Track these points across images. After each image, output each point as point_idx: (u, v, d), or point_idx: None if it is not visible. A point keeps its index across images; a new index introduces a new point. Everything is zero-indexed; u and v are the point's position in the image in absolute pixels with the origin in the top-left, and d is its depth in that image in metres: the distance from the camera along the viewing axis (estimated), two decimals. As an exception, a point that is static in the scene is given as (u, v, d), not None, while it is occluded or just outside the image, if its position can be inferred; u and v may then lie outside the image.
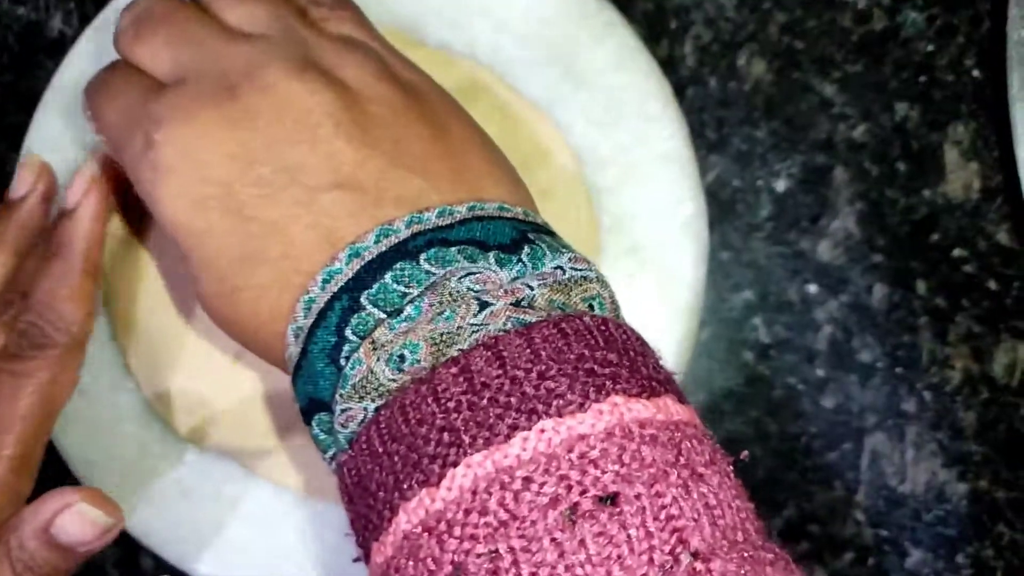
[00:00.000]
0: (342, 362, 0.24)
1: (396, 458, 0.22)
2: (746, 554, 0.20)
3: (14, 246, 0.31)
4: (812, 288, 0.36)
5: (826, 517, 0.35)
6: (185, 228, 0.26)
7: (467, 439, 0.21)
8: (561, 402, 0.21)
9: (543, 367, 0.21)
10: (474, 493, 0.20)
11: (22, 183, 0.32)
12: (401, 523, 0.21)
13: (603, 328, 0.23)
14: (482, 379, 0.21)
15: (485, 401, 0.21)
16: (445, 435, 0.21)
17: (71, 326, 0.30)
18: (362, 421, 0.23)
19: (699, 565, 0.20)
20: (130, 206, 0.33)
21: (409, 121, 0.26)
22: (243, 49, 0.26)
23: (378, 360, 0.23)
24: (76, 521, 0.27)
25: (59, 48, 0.37)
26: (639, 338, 0.24)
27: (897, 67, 0.36)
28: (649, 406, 0.21)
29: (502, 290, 0.24)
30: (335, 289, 0.24)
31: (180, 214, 0.25)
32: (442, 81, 0.33)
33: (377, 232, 0.24)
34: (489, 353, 0.22)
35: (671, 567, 0.19)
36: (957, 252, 0.36)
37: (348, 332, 0.24)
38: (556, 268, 0.25)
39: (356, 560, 0.23)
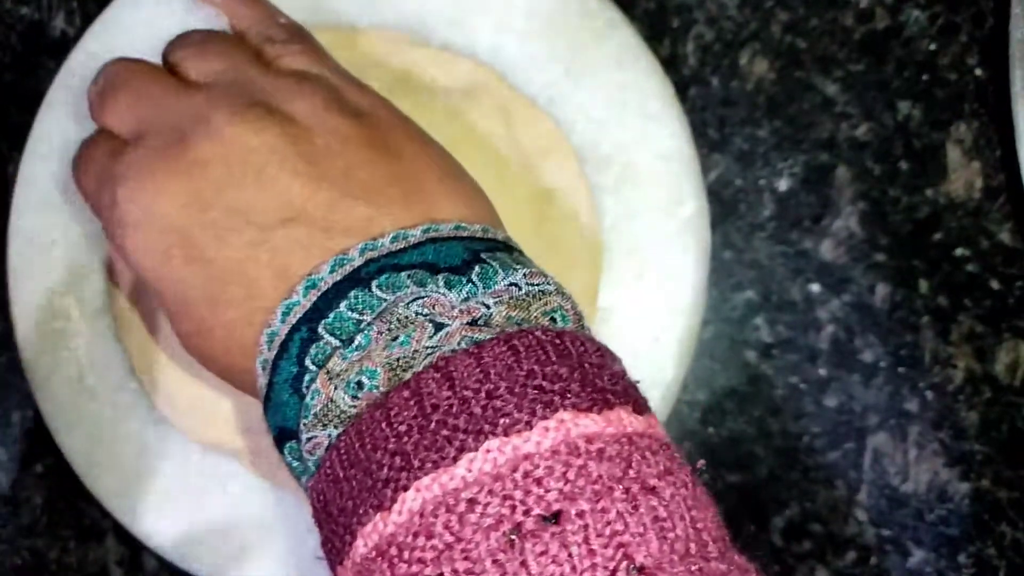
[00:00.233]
0: (304, 391, 0.24)
1: (354, 483, 0.22)
2: (695, 567, 0.20)
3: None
4: (814, 287, 0.36)
5: (828, 516, 0.35)
6: (154, 276, 0.27)
7: (417, 462, 0.21)
8: (508, 421, 0.21)
9: (491, 386, 0.22)
10: (422, 516, 0.21)
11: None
12: (359, 548, 0.22)
13: (557, 342, 0.23)
14: (432, 401, 0.22)
15: (434, 424, 0.21)
16: (397, 459, 0.21)
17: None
18: (328, 447, 0.23)
19: None
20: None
21: (359, 148, 0.27)
22: (194, 100, 0.28)
23: (336, 388, 0.23)
24: None
25: (61, 48, 0.37)
26: (598, 348, 0.24)
27: (899, 66, 0.36)
28: (599, 420, 0.21)
29: (456, 310, 0.24)
30: (294, 321, 0.25)
31: (148, 265, 0.27)
32: (444, 80, 0.33)
33: (332, 262, 0.25)
34: (439, 375, 0.22)
35: None
36: (959, 251, 0.36)
37: (308, 362, 0.24)
38: (510, 285, 0.25)
39: None
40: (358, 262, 0.25)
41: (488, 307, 0.24)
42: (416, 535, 0.20)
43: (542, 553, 0.20)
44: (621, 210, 0.33)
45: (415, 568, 0.20)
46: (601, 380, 0.22)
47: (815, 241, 0.36)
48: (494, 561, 0.20)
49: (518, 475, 0.20)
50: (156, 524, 0.33)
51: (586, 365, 0.23)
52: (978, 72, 0.36)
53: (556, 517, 0.20)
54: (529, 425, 0.21)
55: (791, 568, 0.36)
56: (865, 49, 0.36)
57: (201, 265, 0.26)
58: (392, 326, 0.24)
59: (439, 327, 0.23)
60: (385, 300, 0.24)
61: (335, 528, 0.23)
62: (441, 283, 0.24)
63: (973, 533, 0.35)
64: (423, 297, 0.24)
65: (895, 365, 0.36)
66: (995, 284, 0.36)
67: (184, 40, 0.30)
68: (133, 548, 0.36)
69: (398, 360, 0.23)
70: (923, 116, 0.36)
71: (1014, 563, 0.35)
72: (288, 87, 0.28)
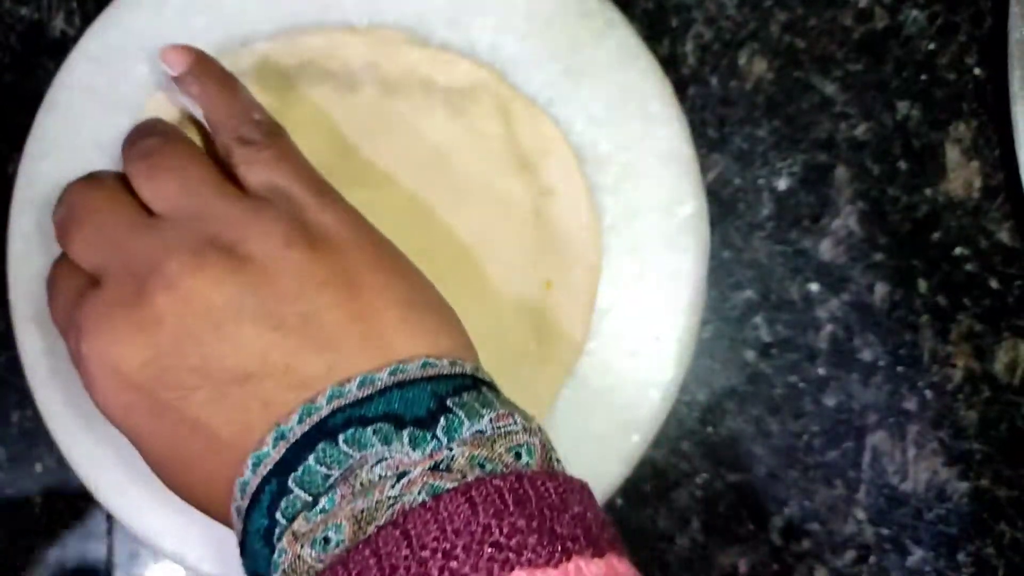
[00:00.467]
0: (275, 544, 0.24)
1: None
2: None
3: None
4: (813, 287, 0.36)
5: (827, 515, 0.35)
6: (122, 427, 0.27)
7: None
8: None
9: (448, 545, 0.22)
10: None
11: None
12: None
13: (516, 487, 0.23)
14: (391, 561, 0.22)
15: None
16: None
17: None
18: None
19: None
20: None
21: (319, 288, 0.26)
22: (148, 241, 0.27)
23: (303, 546, 0.24)
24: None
25: (61, 48, 0.37)
26: (560, 486, 0.24)
27: (898, 66, 0.36)
28: (555, 575, 0.22)
29: (419, 459, 0.24)
30: (265, 472, 0.25)
31: (114, 416, 0.27)
32: (443, 80, 0.33)
33: (300, 411, 0.25)
34: (398, 532, 0.22)
35: None
36: (958, 251, 0.36)
37: (279, 515, 0.24)
38: (476, 432, 0.25)
39: None
40: (325, 411, 0.25)
41: (451, 449, 0.24)
42: None
43: None
44: (620, 210, 0.33)
45: None
46: (561, 525, 0.22)
47: (814, 240, 0.36)
48: None
49: None
50: (156, 524, 0.33)
51: (545, 511, 0.23)
52: (977, 72, 0.36)
53: None
54: None
55: (790, 567, 0.36)
56: (864, 49, 0.36)
57: (165, 422, 0.26)
58: (356, 490, 0.24)
59: (401, 475, 0.24)
60: (351, 457, 0.24)
61: None
62: (406, 440, 0.24)
63: (972, 532, 0.35)
64: (387, 459, 0.24)
65: (894, 364, 0.36)
66: (994, 283, 0.36)
67: (136, 149, 0.30)
68: (134, 546, 0.36)
69: (362, 512, 0.23)
70: (922, 116, 0.36)
71: (1013, 562, 0.35)
72: (247, 221, 0.27)
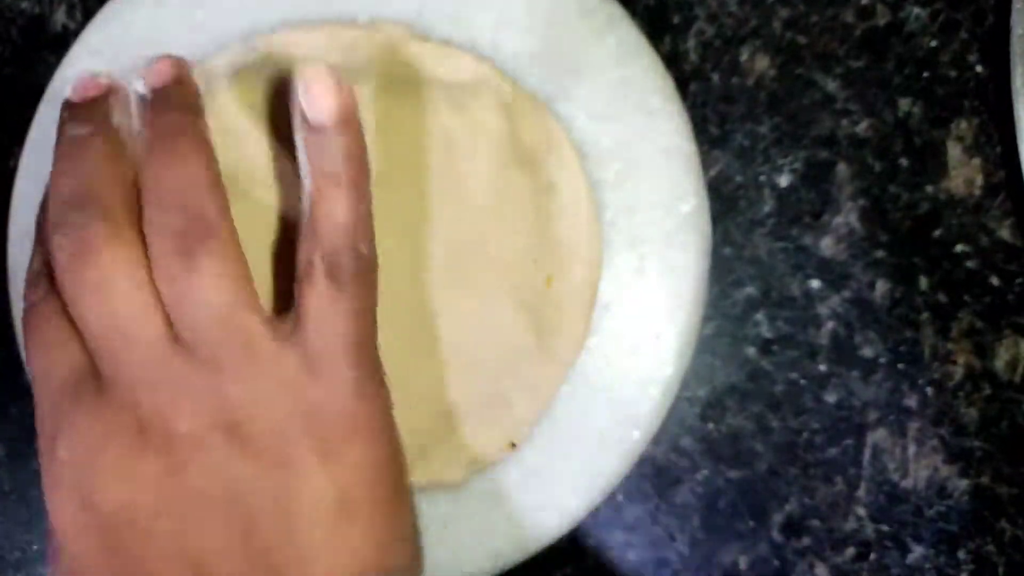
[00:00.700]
0: None
1: None
2: None
3: None
4: (814, 284, 0.36)
5: (827, 512, 0.36)
6: (61, 534, 0.25)
7: None
8: None
9: None
10: None
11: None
12: None
13: None
14: None
15: None
16: None
17: None
18: None
19: None
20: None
21: (214, 532, 0.24)
22: (167, 377, 0.24)
23: None
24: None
25: (62, 42, 0.37)
26: None
27: (900, 63, 0.36)
28: None
29: None
30: None
31: (59, 522, 0.25)
32: (444, 76, 0.33)
33: None
34: None
35: None
36: (959, 248, 0.36)
37: None
38: None
39: None
40: None
41: None
42: None
43: None
44: (621, 206, 0.33)
45: None
46: None
47: (815, 237, 0.36)
48: None
49: None
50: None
51: None
52: (979, 69, 0.36)
53: None
54: None
55: (790, 564, 0.36)
56: (866, 46, 0.36)
57: (114, 560, 0.24)
58: None
59: None
60: None
61: None
62: None
63: (973, 529, 0.35)
64: None
65: (895, 361, 0.36)
66: (995, 281, 0.36)
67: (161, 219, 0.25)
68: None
69: None
70: (923, 113, 0.36)
71: (1013, 560, 0.35)
72: (273, 400, 0.24)
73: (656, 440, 0.35)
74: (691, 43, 0.37)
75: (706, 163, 0.35)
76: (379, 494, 0.25)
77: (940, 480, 0.35)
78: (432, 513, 0.33)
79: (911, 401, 0.36)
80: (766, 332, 0.36)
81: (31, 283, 0.27)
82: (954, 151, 0.36)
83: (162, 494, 0.24)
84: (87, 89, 0.27)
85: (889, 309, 0.36)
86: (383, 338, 0.32)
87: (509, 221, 0.33)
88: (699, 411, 0.36)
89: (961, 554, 0.35)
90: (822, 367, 0.36)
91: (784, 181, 0.36)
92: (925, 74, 0.36)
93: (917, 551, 0.35)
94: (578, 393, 0.33)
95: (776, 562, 0.36)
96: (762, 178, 0.36)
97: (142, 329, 0.24)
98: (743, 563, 0.36)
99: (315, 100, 0.26)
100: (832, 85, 0.36)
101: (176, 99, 0.27)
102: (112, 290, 0.24)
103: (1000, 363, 0.36)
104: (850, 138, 0.36)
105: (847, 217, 0.36)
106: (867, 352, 0.36)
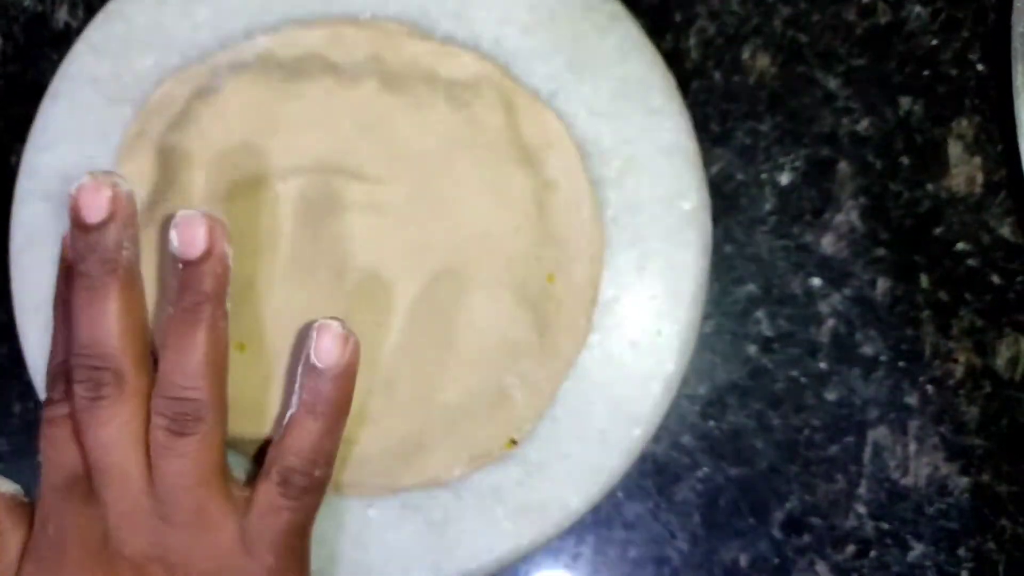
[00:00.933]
0: None
1: None
2: None
3: None
4: (815, 281, 0.36)
5: (828, 510, 0.36)
6: None
7: None
8: None
9: None
10: None
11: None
12: None
13: None
14: None
15: None
16: None
17: None
18: None
19: None
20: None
21: None
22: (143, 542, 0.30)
23: None
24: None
25: (64, 39, 0.38)
26: None
27: (901, 61, 0.36)
28: None
29: None
30: None
31: None
32: (447, 73, 0.33)
33: None
34: None
35: None
36: (960, 246, 0.36)
37: None
38: None
39: None
40: None
41: None
42: None
43: None
44: (623, 203, 0.33)
45: None
46: None
47: (816, 235, 0.36)
48: None
49: None
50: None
51: None
52: (980, 67, 0.36)
53: None
54: None
55: (791, 561, 0.36)
56: (867, 44, 0.36)
57: None
58: None
59: None
60: None
61: None
62: None
63: (973, 527, 0.35)
64: None
65: (896, 359, 0.36)
66: (996, 279, 0.36)
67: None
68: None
69: None
70: (924, 111, 0.36)
71: (1014, 557, 0.35)
72: None
73: (657, 438, 0.35)
74: (693, 41, 0.37)
75: (707, 161, 0.35)
76: None
77: (941, 478, 0.35)
78: (431, 510, 0.33)
79: (912, 399, 0.36)
80: (767, 330, 0.36)
81: (53, 384, 0.31)
82: (955, 149, 0.36)
83: None
84: (97, 210, 0.29)
85: (890, 307, 0.36)
86: (384, 335, 0.33)
87: (511, 218, 0.33)
88: (700, 409, 0.36)
89: (961, 552, 0.35)
90: (823, 365, 0.36)
91: (785, 179, 0.36)
92: (926, 72, 0.36)
93: (918, 549, 0.35)
94: (579, 389, 0.33)
95: (776, 560, 0.36)
96: (763, 176, 0.36)
97: (127, 478, 0.29)
98: (743, 560, 0.36)
99: (323, 350, 0.30)
100: (833, 83, 0.36)
101: (207, 281, 0.30)
102: (112, 442, 0.29)
103: (1001, 361, 0.36)
104: (851, 136, 0.36)
105: (848, 215, 0.36)
106: (868, 350, 0.36)
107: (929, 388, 0.36)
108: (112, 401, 0.29)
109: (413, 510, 0.33)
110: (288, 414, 0.31)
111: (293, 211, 0.33)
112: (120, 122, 0.34)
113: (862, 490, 0.35)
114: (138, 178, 0.33)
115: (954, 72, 0.36)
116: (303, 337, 0.32)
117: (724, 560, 0.36)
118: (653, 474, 0.36)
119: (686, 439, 0.36)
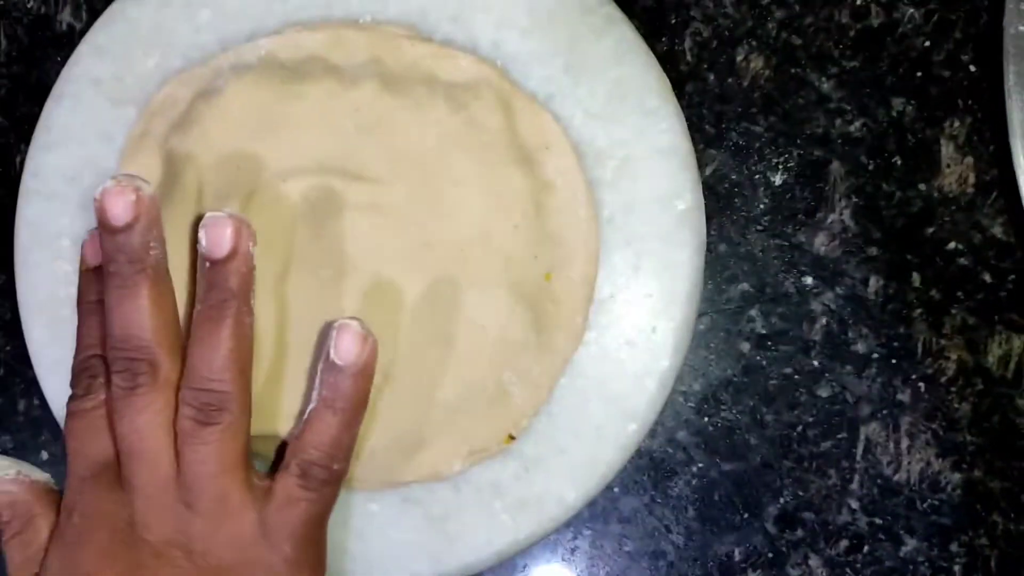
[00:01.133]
0: None
1: None
2: None
3: None
4: (808, 280, 0.36)
5: (821, 505, 0.36)
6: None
7: None
8: None
9: None
10: None
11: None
12: None
13: None
14: None
15: None
16: None
17: None
18: None
19: None
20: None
21: None
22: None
23: None
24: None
25: (68, 41, 0.38)
26: None
27: (894, 62, 0.36)
28: None
29: None
30: None
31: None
32: (445, 76, 0.34)
33: None
34: None
35: None
36: (952, 245, 0.36)
37: None
38: None
39: None
40: None
41: None
42: None
43: None
44: (619, 203, 0.34)
45: None
46: None
47: (809, 235, 0.36)
48: None
49: None
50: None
51: None
52: (972, 68, 0.36)
53: None
54: None
55: (784, 556, 0.36)
56: (860, 46, 0.36)
57: None
58: None
59: None
60: None
61: None
62: None
63: (965, 523, 0.36)
64: None
65: (888, 357, 0.36)
66: (987, 277, 0.36)
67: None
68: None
69: None
70: (917, 112, 0.36)
71: (1005, 552, 0.35)
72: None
73: (652, 433, 0.36)
74: (687, 44, 0.37)
75: (702, 161, 0.36)
76: None
77: (933, 474, 0.36)
78: (431, 504, 0.33)
79: (904, 396, 0.36)
80: (760, 327, 0.36)
81: (77, 380, 0.32)
82: (947, 149, 0.36)
83: None
84: (122, 213, 0.30)
85: (882, 305, 0.36)
86: (385, 333, 0.33)
87: (509, 218, 0.33)
88: (694, 405, 0.36)
89: (953, 547, 0.36)
90: (816, 362, 0.36)
91: (778, 179, 0.36)
92: (918, 73, 0.36)
93: (910, 544, 0.36)
94: (576, 386, 0.33)
95: (770, 554, 0.36)
96: (757, 176, 0.36)
97: (157, 464, 0.30)
98: (737, 555, 0.36)
99: (343, 349, 0.31)
100: (826, 85, 0.36)
101: (233, 279, 0.31)
102: (147, 430, 0.30)
103: (992, 359, 0.36)
104: (844, 137, 0.36)
105: (841, 215, 0.36)
106: (860, 347, 0.36)
107: (921, 385, 0.36)
108: (148, 389, 0.30)
109: (413, 504, 0.34)
110: (308, 409, 0.31)
111: (295, 211, 0.33)
112: (123, 123, 0.34)
113: (855, 485, 0.36)
114: (141, 178, 0.33)
115: (946, 73, 0.36)
116: (322, 336, 0.33)
117: (719, 554, 0.36)
118: (648, 469, 0.36)
119: (681, 435, 0.36)
